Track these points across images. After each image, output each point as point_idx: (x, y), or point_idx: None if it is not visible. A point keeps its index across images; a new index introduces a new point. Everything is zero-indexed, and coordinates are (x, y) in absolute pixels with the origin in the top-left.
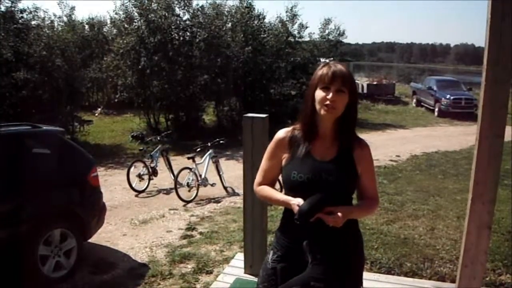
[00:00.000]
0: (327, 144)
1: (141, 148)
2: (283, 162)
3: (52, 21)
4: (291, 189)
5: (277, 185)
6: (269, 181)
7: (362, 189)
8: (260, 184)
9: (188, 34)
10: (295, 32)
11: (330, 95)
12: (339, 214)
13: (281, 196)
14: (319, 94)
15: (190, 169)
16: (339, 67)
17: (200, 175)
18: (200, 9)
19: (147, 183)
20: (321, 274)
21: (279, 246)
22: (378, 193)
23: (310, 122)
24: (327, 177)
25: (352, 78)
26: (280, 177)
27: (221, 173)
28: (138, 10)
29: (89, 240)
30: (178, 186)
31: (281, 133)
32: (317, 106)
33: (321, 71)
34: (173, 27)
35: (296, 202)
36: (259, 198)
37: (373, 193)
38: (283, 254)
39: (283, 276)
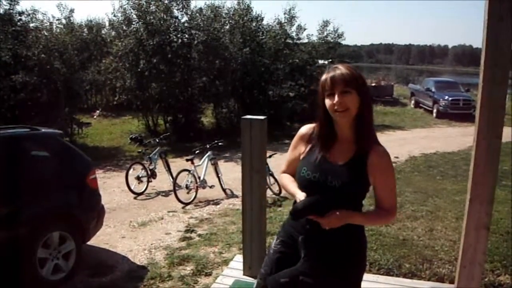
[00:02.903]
0: (344, 147)
1: (140, 150)
2: (301, 156)
3: (50, 24)
4: (300, 184)
5: None
6: (291, 171)
7: (377, 199)
8: (283, 172)
9: (187, 36)
10: (293, 34)
11: (335, 99)
12: (332, 217)
13: (292, 187)
14: (327, 102)
15: (189, 171)
16: (339, 70)
17: (199, 177)
18: (198, 11)
19: (145, 185)
20: (311, 270)
21: (283, 231)
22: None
23: (326, 129)
24: (332, 181)
25: (357, 76)
26: None
27: (219, 175)
28: (136, 12)
29: (88, 243)
30: (177, 188)
31: (304, 128)
32: (331, 114)
33: (322, 79)
34: (171, 29)
35: (299, 196)
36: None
37: (387, 205)
38: (285, 240)
39: (278, 264)
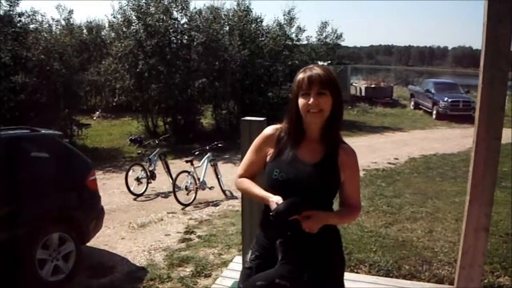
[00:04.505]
0: (313, 147)
1: (139, 151)
2: (268, 158)
3: (50, 25)
4: (271, 186)
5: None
6: (250, 175)
7: (345, 196)
8: (241, 176)
9: (186, 37)
10: (293, 35)
11: (311, 100)
12: (315, 221)
13: (261, 191)
14: (301, 101)
15: (188, 172)
16: (316, 71)
17: (198, 179)
18: (197, 12)
19: (145, 187)
20: (288, 273)
21: (257, 246)
22: (375, 199)
23: (296, 128)
24: (308, 180)
25: (333, 79)
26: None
27: (219, 176)
28: (136, 14)
29: (88, 244)
30: (176, 189)
31: (269, 129)
32: (303, 114)
33: (298, 77)
34: (171, 30)
35: (275, 200)
36: (239, 190)
37: (355, 201)
38: (260, 254)
39: (258, 272)
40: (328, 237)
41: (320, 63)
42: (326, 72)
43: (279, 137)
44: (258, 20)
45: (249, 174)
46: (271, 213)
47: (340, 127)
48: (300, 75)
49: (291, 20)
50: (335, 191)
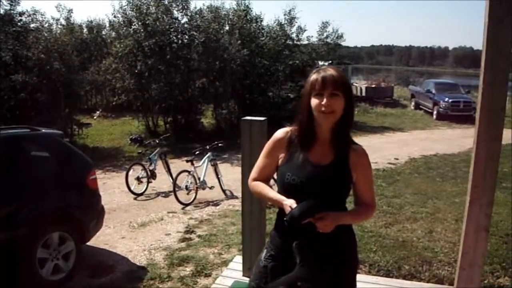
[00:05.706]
0: (324, 148)
1: (140, 151)
2: (280, 161)
3: (50, 24)
4: (284, 190)
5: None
6: (264, 178)
7: (358, 196)
8: (255, 180)
9: (186, 37)
10: (294, 35)
11: (324, 101)
12: (328, 220)
13: (275, 194)
14: (313, 102)
15: (189, 172)
16: (330, 72)
17: (199, 178)
18: (198, 12)
19: (145, 186)
20: (309, 275)
21: (272, 245)
22: (376, 198)
23: (307, 129)
24: (319, 182)
25: (346, 80)
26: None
27: (219, 176)
28: (136, 14)
29: (88, 243)
30: (176, 189)
31: (280, 133)
32: (315, 114)
33: (311, 78)
34: (171, 30)
35: (289, 203)
36: (253, 194)
37: (369, 200)
38: (275, 254)
39: (274, 275)
40: (344, 237)
41: (321, 63)
42: (339, 73)
43: (289, 140)
44: (258, 19)
45: (262, 177)
46: (285, 218)
47: (351, 129)
48: (314, 76)
49: (291, 20)
50: (347, 191)
